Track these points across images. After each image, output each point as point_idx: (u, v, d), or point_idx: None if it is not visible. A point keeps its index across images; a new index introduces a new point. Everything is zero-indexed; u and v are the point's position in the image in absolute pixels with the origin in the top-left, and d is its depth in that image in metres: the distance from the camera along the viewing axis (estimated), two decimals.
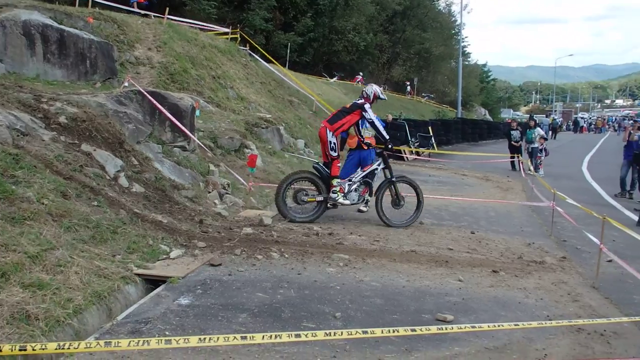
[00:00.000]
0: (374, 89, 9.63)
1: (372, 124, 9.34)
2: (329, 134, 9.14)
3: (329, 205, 9.24)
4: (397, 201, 9.54)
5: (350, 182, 9.39)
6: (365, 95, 9.54)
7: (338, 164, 9.32)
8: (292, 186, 9.36)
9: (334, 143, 9.18)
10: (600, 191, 16.78)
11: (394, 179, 9.48)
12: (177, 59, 14.77)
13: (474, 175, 18.17)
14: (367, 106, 9.30)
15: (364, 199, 9.55)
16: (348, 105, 9.57)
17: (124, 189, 7.75)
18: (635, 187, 14.97)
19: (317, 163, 9.47)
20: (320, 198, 9.21)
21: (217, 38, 20.89)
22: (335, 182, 9.19)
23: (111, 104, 8.98)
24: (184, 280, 5.80)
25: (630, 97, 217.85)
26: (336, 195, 9.16)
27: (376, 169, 9.53)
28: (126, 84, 11.09)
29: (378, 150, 9.70)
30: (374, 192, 9.46)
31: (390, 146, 9.51)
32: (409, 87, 48.47)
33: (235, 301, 5.36)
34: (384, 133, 9.40)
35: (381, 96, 9.63)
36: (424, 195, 9.62)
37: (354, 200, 9.39)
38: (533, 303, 6.01)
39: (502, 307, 5.81)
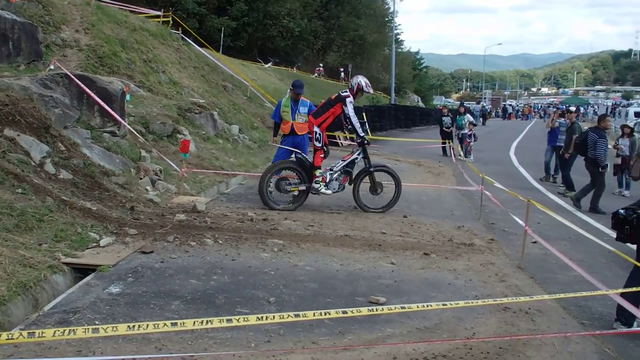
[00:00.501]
0: (358, 80, 9.55)
1: (349, 119, 9.36)
2: (314, 126, 9.34)
3: (311, 193, 9.50)
4: (374, 188, 9.69)
5: (332, 172, 9.50)
6: (350, 87, 9.57)
7: (321, 155, 9.40)
8: (275, 176, 9.43)
9: (319, 134, 9.34)
10: (527, 175, 17.38)
11: (371, 169, 9.62)
12: (106, 41, 14.30)
13: (407, 161, 18.46)
14: (348, 100, 9.30)
15: (344, 188, 9.63)
16: (333, 97, 9.60)
17: (50, 175, 7.49)
18: (559, 172, 15.53)
19: (300, 153, 9.57)
20: (302, 187, 9.37)
21: (148, 21, 20.33)
22: (317, 172, 9.33)
23: (36, 87, 8.63)
24: (115, 268, 5.68)
25: (554, 85, 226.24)
26: (318, 185, 9.32)
27: (356, 158, 9.61)
28: (52, 66, 10.67)
29: (359, 141, 9.61)
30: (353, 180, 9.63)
31: (367, 142, 9.64)
32: (342, 74, 48.59)
33: (168, 288, 5.29)
34: (359, 130, 9.41)
35: (365, 89, 9.47)
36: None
37: (335, 189, 9.52)
38: (462, 284, 6.19)
39: (433, 288, 5.96)
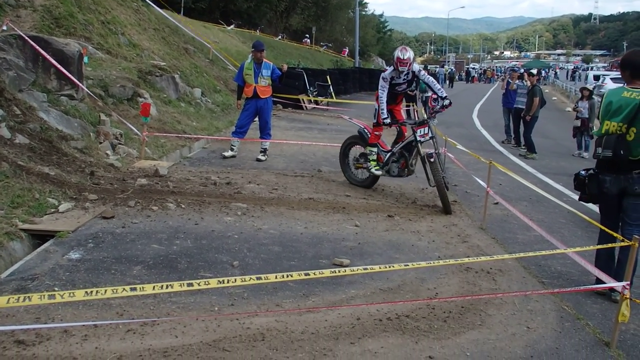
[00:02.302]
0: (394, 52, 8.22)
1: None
2: (375, 103, 8.50)
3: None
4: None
5: (392, 153, 8.50)
6: None
7: (376, 132, 8.55)
8: (353, 147, 9.11)
9: (375, 109, 8.43)
10: (489, 138, 17.57)
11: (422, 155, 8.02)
12: (61, 2, 13.80)
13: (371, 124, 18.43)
14: (382, 74, 8.34)
15: (406, 174, 8.43)
16: None
17: (5, 140, 7.26)
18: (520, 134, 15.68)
19: (363, 129, 8.86)
20: (365, 165, 8.81)
21: None
22: (368, 149, 8.66)
23: None
24: (74, 234, 5.57)
25: (516, 48, 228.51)
26: (369, 163, 8.61)
27: (412, 141, 8.12)
28: (5, 28, 10.27)
29: (411, 122, 8.29)
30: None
31: (387, 122, 8.09)
32: (307, 40, 48.34)
33: (129, 254, 5.21)
34: (383, 112, 8.10)
35: (399, 67, 8.00)
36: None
37: (394, 172, 8.44)
38: (425, 245, 6.25)
39: (397, 250, 6.00)
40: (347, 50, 49.58)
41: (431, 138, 7.96)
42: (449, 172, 10.46)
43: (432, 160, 7.71)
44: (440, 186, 7.65)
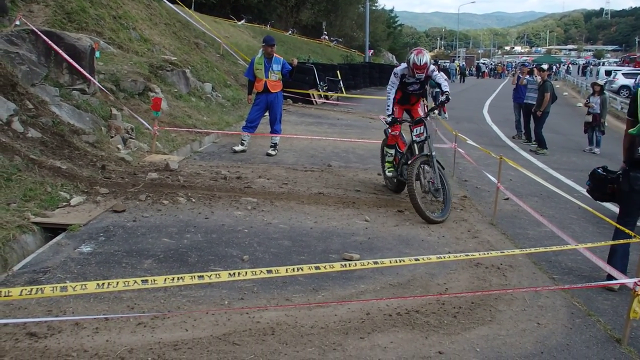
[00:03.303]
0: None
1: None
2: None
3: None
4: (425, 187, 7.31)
5: (402, 155, 7.97)
6: None
7: (393, 132, 7.96)
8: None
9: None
10: (499, 133, 17.51)
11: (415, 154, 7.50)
12: None
13: (381, 118, 18.41)
14: (395, 69, 7.81)
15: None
16: None
17: (18, 134, 7.31)
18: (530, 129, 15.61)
19: (387, 129, 8.11)
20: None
21: None
22: (385, 150, 8.25)
23: (1, 44, 8.35)
24: (86, 227, 5.60)
25: (527, 44, 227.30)
26: (385, 165, 8.22)
27: (410, 141, 7.62)
28: (18, 22, 10.33)
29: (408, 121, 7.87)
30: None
31: (389, 120, 7.66)
32: (325, 36, 48.56)
33: (140, 247, 5.24)
34: (387, 109, 7.67)
35: (416, 73, 7.44)
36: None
37: (405, 177, 7.49)
38: (435, 240, 6.24)
39: (406, 245, 6.00)
40: (373, 51, 49.36)
41: (426, 139, 7.42)
42: (459, 168, 10.45)
43: (409, 162, 7.34)
44: (410, 190, 6.95)
